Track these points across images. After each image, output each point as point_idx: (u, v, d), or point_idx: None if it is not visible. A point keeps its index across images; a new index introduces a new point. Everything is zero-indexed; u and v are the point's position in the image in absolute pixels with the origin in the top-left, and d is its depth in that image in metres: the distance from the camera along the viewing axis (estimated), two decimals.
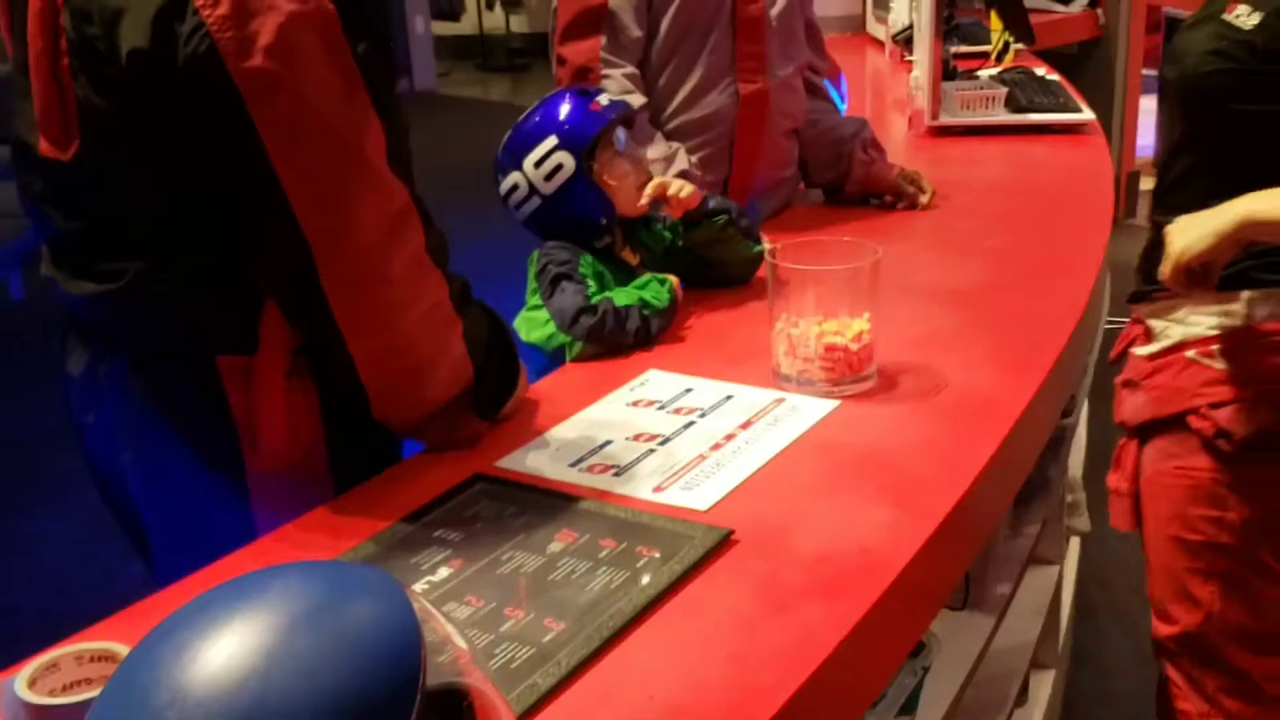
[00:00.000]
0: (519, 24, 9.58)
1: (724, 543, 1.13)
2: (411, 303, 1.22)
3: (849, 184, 2.25)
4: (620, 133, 1.73)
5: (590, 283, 1.65)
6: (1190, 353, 1.40)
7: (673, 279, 1.71)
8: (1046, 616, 2.03)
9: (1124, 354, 1.59)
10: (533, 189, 1.70)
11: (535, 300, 1.66)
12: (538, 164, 1.68)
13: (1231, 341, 1.38)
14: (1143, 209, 5.26)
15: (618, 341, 1.61)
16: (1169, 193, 1.47)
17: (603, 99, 1.72)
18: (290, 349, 1.25)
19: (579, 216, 1.70)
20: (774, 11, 2.11)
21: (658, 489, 1.24)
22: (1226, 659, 1.45)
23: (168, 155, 1.16)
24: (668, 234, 1.81)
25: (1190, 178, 1.44)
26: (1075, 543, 2.51)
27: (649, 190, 1.73)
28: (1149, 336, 1.50)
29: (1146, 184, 5.38)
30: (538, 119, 1.71)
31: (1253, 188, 1.28)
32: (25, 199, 1.31)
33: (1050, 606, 2.06)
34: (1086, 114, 2.80)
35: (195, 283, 1.22)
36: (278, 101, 1.10)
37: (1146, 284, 1.47)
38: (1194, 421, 1.40)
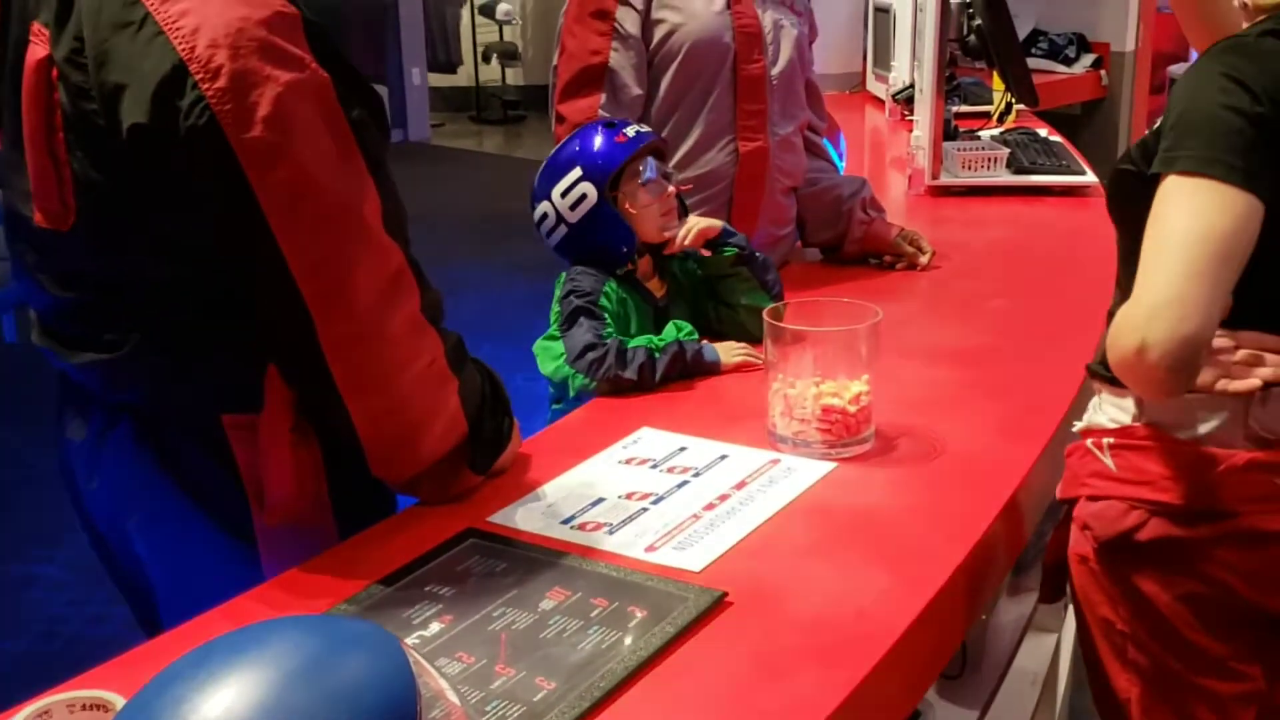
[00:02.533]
0: (514, 77, 9.67)
1: (717, 604, 1.12)
2: (408, 362, 1.23)
3: (848, 243, 2.26)
4: (648, 162, 1.78)
5: (608, 319, 1.69)
6: (1088, 441, 1.39)
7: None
8: (1044, 685, 2.00)
9: None
10: (560, 218, 1.77)
11: (555, 329, 1.71)
12: (564, 194, 1.76)
13: (1117, 438, 1.36)
14: None
15: (619, 377, 1.63)
16: (1116, 283, 1.48)
17: (630, 130, 1.78)
18: (294, 403, 1.25)
19: (602, 244, 1.77)
20: (775, 70, 2.13)
21: (650, 548, 1.23)
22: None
23: (166, 225, 1.17)
24: (698, 270, 1.87)
25: (1120, 269, 1.44)
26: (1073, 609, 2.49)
27: (681, 240, 1.79)
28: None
29: None
30: (567, 150, 1.79)
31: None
32: (18, 267, 1.31)
33: (1048, 675, 2.04)
34: (1089, 176, 2.81)
35: (197, 348, 1.23)
36: (278, 170, 1.11)
37: (1093, 364, 1.46)
38: (1076, 510, 1.39)
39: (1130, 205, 1.32)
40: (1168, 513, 1.30)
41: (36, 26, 1.18)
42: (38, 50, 1.17)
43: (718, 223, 1.83)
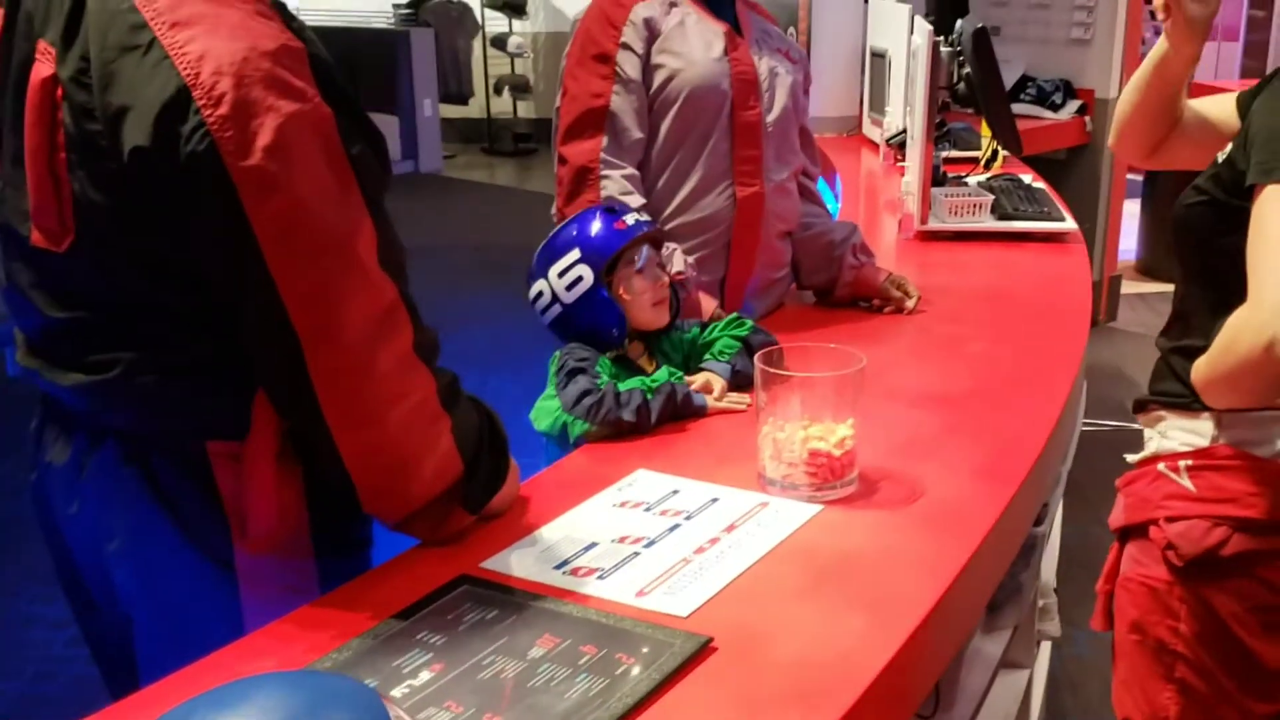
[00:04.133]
0: (526, 110, 9.73)
1: (703, 650, 1.15)
2: (397, 399, 1.23)
3: (839, 287, 2.30)
4: (644, 250, 1.83)
5: (604, 376, 1.73)
6: (1161, 465, 1.45)
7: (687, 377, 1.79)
8: None
9: None
10: (555, 297, 1.81)
11: (550, 392, 1.75)
12: (561, 274, 1.80)
13: (1195, 460, 1.42)
14: (1124, 312, 5.32)
15: (616, 420, 1.67)
16: (1169, 320, 1.54)
17: (629, 218, 1.82)
18: (280, 432, 1.26)
19: (594, 326, 1.81)
20: (770, 118, 2.17)
21: (640, 593, 1.26)
22: None
23: (163, 248, 1.18)
24: (688, 338, 1.90)
25: (1182, 305, 1.51)
26: (1046, 647, 2.52)
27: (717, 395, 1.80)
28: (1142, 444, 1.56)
29: (1129, 288, 5.47)
30: (567, 233, 1.83)
31: (1227, 317, 1.31)
32: (9, 286, 1.31)
33: (1020, 711, 2.06)
34: (1069, 224, 2.87)
35: (186, 371, 1.24)
36: (273, 199, 1.12)
37: (1145, 395, 1.53)
38: (1153, 532, 1.45)
39: (1209, 232, 1.40)
40: (1250, 527, 1.37)
41: (43, 45, 1.18)
42: (43, 69, 1.18)
43: (722, 381, 1.82)
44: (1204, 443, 1.43)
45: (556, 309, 1.82)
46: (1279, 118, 1.30)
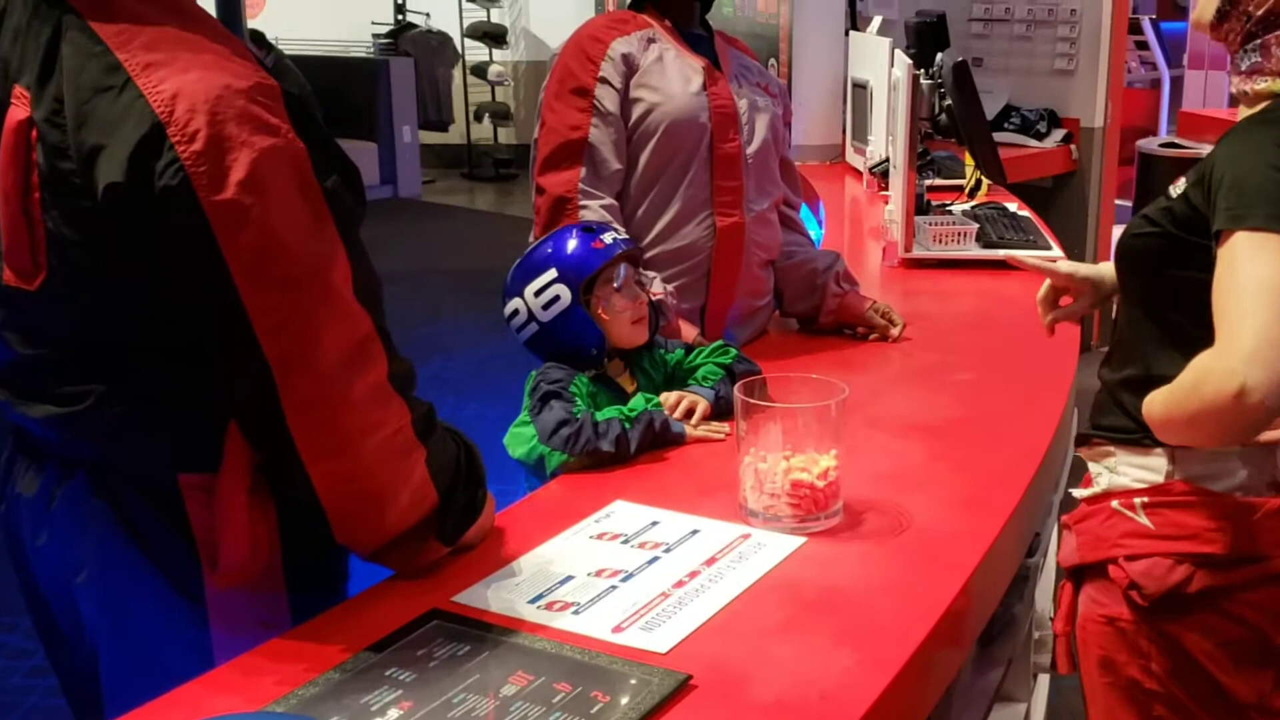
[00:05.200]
0: (507, 136, 9.77)
1: (682, 688, 1.12)
2: (371, 429, 1.22)
3: (823, 315, 2.29)
4: (621, 269, 1.81)
5: (580, 401, 1.70)
6: (1115, 502, 1.44)
7: (663, 398, 1.76)
8: None
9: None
10: (531, 316, 1.79)
11: (525, 417, 1.71)
12: (537, 293, 1.78)
13: (1151, 496, 1.41)
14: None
15: (595, 451, 1.64)
16: (1110, 352, 1.54)
17: (606, 237, 1.80)
18: (252, 465, 1.26)
19: (572, 345, 1.79)
20: (750, 149, 2.17)
21: (617, 629, 1.23)
22: None
23: (136, 285, 1.18)
24: (671, 359, 1.88)
25: (1125, 335, 1.50)
26: (1044, 680, 2.49)
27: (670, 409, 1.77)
28: (1089, 480, 1.54)
29: None
30: (543, 251, 1.81)
31: (1174, 350, 1.34)
32: None
33: None
34: (1054, 251, 2.86)
35: (158, 403, 1.23)
36: (247, 232, 1.12)
37: (1088, 429, 1.52)
38: (1113, 571, 1.43)
39: (1158, 263, 1.41)
40: (1213, 563, 1.37)
41: (18, 89, 1.19)
42: (18, 112, 1.19)
43: (706, 403, 1.79)
44: (1158, 479, 1.41)
45: (533, 327, 1.79)
46: (1246, 166, 1.30)
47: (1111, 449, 1.48)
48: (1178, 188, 1.40)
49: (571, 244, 1.79)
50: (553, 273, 1.77)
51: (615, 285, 1.79)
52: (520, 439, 1.70)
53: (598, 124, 2.07)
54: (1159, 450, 1.41)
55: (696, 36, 2.22)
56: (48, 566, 1.32)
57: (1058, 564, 1.59)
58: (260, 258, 1.13)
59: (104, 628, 1.29)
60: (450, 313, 5.52)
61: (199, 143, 1.11)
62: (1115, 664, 1.44)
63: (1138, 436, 1.42)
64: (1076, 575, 1.52)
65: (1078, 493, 1.53)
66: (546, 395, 1.69)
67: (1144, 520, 1.40)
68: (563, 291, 1.76)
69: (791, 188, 2.36)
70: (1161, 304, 1.42)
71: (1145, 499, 1.41)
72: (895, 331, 2.24)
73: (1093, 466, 1.52)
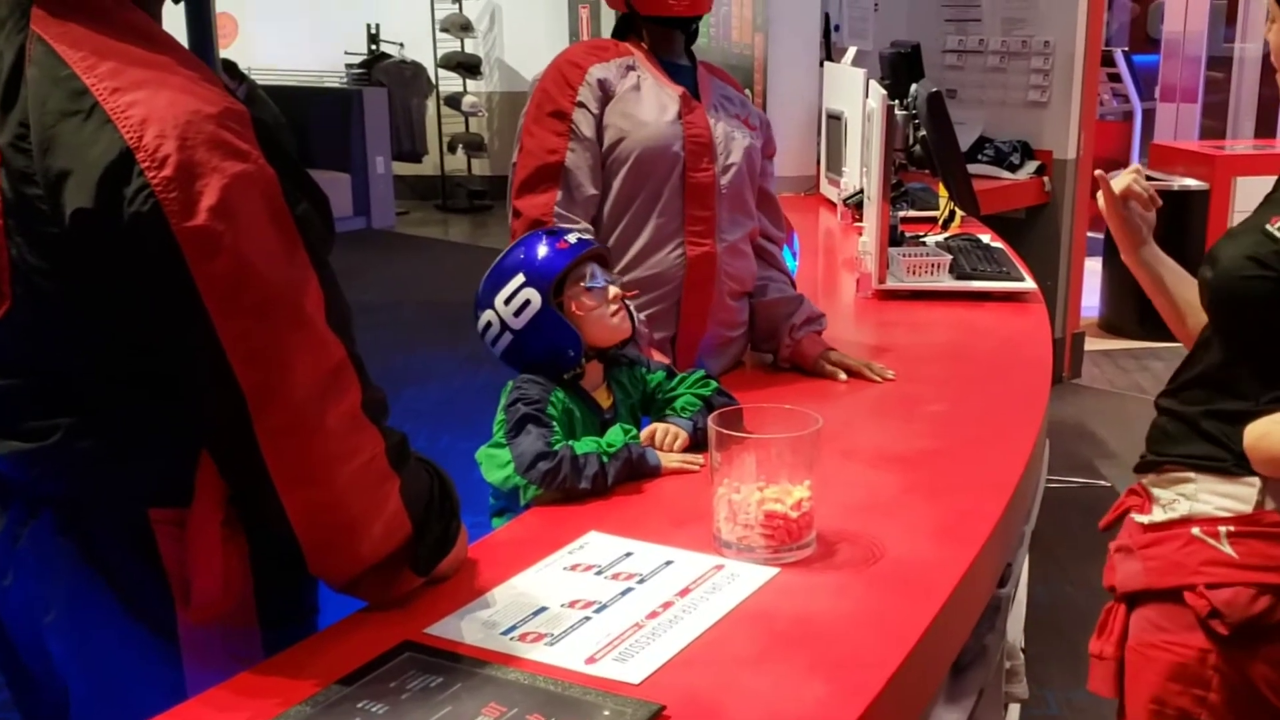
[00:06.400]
0: (481, 167, 9.79)
1: (655, 718, 1.11)
2: (345, 458, 1.21)
3: (779, 359, 2.28)
4: (591, 268, 1.80)
5: (556, 426, 1.69)
6: (1195, 529, 1.44)
7: (644, 434, 1.76)
8: None
9: (1118, 520, 1.62)
10: (504, 325, 1.78)
11: (500, 436, 1.70)
12: (507, 300, 1.77)
13: (1238, 525, 1.41)
14: (1088, 368, 5.37)
15: (573, 488, 1.63)
16: (1189, 384, 1.53)
17: (571, 237, 1.80)
18: (224, 499, 1.24)
19: (548, 349, 1.77)
20: (725, 180, 2.18)
21: (590, 660, 1.22)
22: None
23: (104, 312, 1.17)
24: (650, 379, 1.88)
25: (1214, 368, 1.49)
26: (1015, 709, 2.49)
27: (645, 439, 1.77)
28: (1150, 506, 1.53)
29: (1092, 344, 5.52)
30: (510, 258, 1.80)
31: (1269, 390, 1.36)
32: None
33: None
34: (1028, 283, 2.88)
35: (127, 437, 1.22)
36: (218, 259, 1.11)
37: (1154, 456, 1.52)
38: (1190, 598, 1.42)
39: (1266, 307, 1.40)
40: None
41: None
42: None
43: (686, 435, 1.80)
44: (1246, 508, 1.41)
45: (507, 338, 1.78)
46: None
47: (1191, 474, 1.47)
48: (1277, 228, 1.39)
49: (537, 248, 1.79)
50: (520, 278, 1.76)
51: (585, 284, 1.78)
52: (496, 462, 1.68)
53: (574, 148, 2.08)
54: (1250, 479, 1.41)
55: (678, 66, 2.23)
56: (14, 607, 1.30)
57: (1108, 587, 1.58)
58: (232, 284, 1.12)
59: (74, 668, 1.27)
60: (423, 344, 5.52)
61: (169, 169, 1.10)
62: (1167, 692, 1.44)
63: (1225, 464, 1.42)
64: (1131, 600, 1.51)
65: (1141, 518, 1.53)
66: (524, 419, 1.68)
67: (1227, 549, 1.40)
68: (532, 295, 1.75)
69: (773, 221, 2.35)
70: (1271, 341, 1.41)
71: (1231, 528, 1.41)
72: (844, 377, 2.19)
73: (1161, 493, 1.51)
